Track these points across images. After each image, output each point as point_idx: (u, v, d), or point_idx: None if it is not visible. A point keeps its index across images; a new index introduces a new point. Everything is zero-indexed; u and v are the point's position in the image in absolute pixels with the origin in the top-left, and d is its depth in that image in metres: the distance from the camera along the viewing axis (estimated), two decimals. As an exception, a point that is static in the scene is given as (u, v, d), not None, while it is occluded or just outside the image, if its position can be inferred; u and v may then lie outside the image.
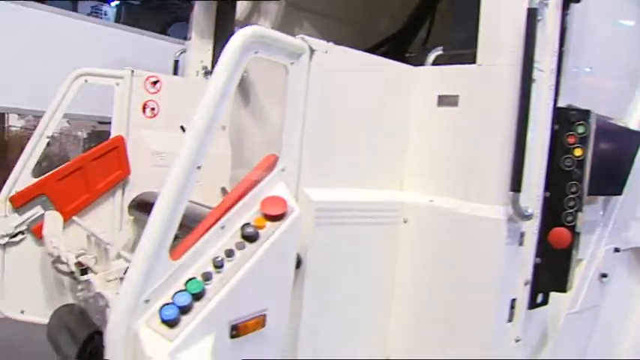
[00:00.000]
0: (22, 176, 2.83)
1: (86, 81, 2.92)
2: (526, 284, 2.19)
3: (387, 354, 2.28)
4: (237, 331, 1.62)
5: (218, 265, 1.61)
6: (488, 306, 2.06)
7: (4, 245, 2.84)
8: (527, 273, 2.19)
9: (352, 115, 2.10)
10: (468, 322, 2.09)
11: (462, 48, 2.24)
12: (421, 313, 2.20)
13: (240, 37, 1.67)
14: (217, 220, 1.71)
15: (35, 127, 3.07)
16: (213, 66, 3.60)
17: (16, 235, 2.84)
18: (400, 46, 4.00)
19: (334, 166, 2.06)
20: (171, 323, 1.50)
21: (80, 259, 2.53)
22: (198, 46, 3.62)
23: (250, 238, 1.68)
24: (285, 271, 1.80)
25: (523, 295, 2.18)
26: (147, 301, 1.52)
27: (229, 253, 1.64)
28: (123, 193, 3.07)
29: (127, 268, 2.54)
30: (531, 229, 2.15)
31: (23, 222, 2.84)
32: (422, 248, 2.20)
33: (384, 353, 2.28)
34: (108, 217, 3.05)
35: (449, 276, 2.13)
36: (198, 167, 1.60)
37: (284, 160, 1.88)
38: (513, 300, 2.13)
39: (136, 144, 3.05)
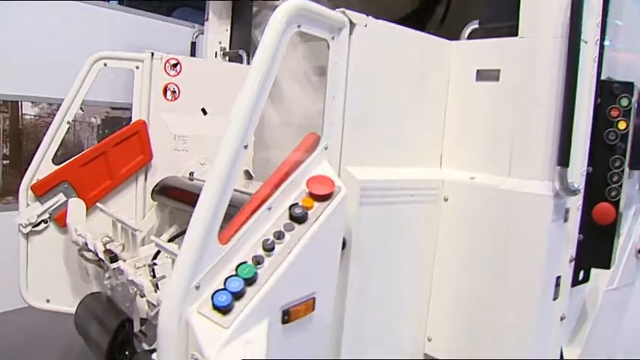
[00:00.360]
0: (43, 164, 2.76)
1: (105, 65, 2.84)
2: (571, 261, 2.14)
3: (429, 334, 2.24)
4: (288, 316, 1.56)
5: (269, 249, 1.54)
6: (535, 284, 2.00)
7: (27, 234, 2.79)
8: (572, 250, 2.14)
9: (392, 90, 2.03)
10: (513, 301, 2.04)
11: (499, 21, 2.18)
12: (463, 291, 2.15)
13: (283, 10, 1.59)
14: (263, 201, 1.63)
15: (49, 114, 2.99)
16: (231, 47, 3.53)
17: (38, 224, 2.79)
18: (417, 23, 3.91)
19: (375, 143, 1.99)
20: (224, 310, 1.42)
21: (108, 246, 2.49)
22: (215, 27, 3.54)
23: (299, 219, 1.61)
24: (333, 252, 1.73)
25: (568, 273, 2.14)
26: (197, 287, 1.45)
27: (279, 236, 1.57)
28: (145, 179, 3.00)
29: (156, 253, 2.52)
30: (575, 204, 2.10)
31: (46, 210, 2.78)
32: (463, 226, 2.14)
33: (425, 333, 2.25)
34: (131, 203, 2.99)
35: (492, 254, 2.07)
36: (245, 146, 1.52)
37: (326, 138, 1.80)
38: (558, 277, 2.07)
39: (157, 128, 2.98)
